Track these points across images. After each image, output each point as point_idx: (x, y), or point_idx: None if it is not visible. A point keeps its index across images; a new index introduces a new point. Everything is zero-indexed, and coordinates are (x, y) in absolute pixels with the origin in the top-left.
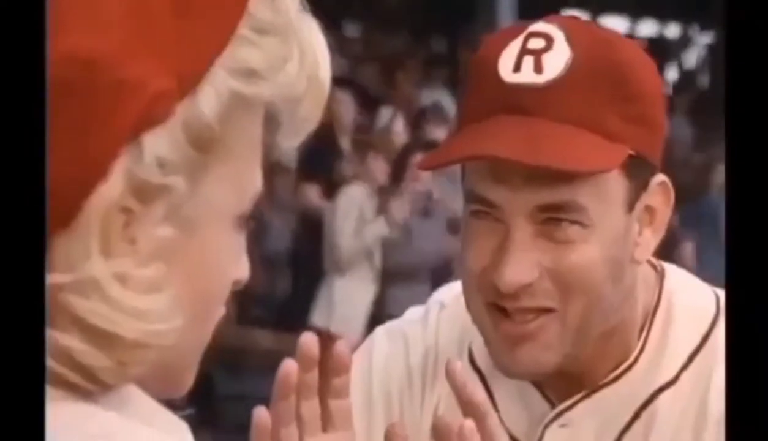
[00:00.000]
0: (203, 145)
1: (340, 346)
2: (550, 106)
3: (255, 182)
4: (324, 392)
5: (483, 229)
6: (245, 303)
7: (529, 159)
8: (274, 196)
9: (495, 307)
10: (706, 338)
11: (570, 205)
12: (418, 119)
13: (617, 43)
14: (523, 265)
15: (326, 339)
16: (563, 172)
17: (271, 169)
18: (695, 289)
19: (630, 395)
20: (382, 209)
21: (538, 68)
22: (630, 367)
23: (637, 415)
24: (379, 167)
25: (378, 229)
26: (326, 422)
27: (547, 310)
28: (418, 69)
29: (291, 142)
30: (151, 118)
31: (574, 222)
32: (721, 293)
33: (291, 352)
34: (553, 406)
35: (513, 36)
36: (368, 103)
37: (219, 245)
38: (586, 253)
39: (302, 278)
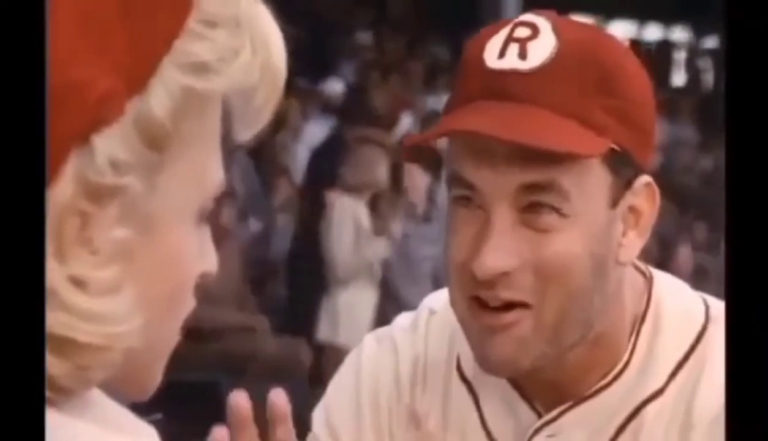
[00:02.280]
0: (157, 142)
1: (274, 395)
2: (533, 93)
3: (215, 175)
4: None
5: (465, 217)
6: (249, 308)
7: (508, 135)
8: (277, 203)
9: (475, 300)
10: (693, 347)
11: (552, 186)
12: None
13: (605, 43)
14: (501, 252)
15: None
16: (545, 155)
17: (275, 176)
18: (684, 297)
19: (617, 405)
20: (381, 224)
21: (523, 55)
22: (617, 377)
23: (624, 425)
24: (382, 168)
25: (379, 249)
26: None
27: (523, 305)
28: (421, 75)
29: (247, 133)
30: (99, 119)
31: (555, 209)
32: (711, 300)
33: (296, 357)
34: (539, 416)
35: (502, 27)
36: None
37: (180, 241)
38: (566, 243)
39: (307, 283)
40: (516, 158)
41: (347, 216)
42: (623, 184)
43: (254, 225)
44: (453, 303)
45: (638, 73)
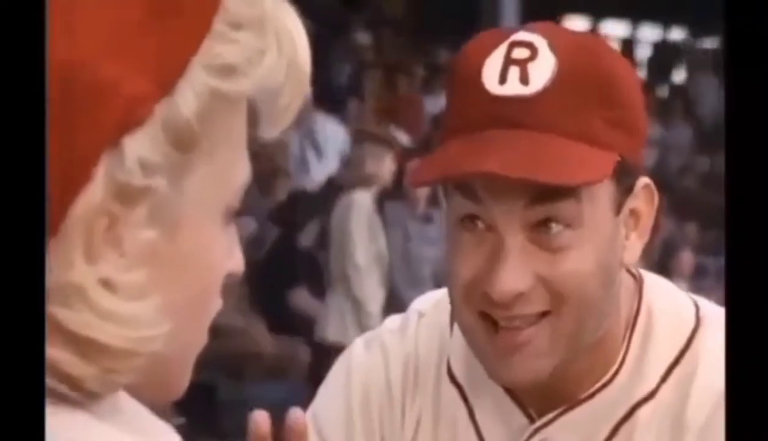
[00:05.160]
0: (184, 144)
1: (293, 415)
2: (538, 118)
3: (242, 175)
4: None
5: (473, 240)
6: (246, 309)
7: (525, 175)
8: (275, 203)
9: (486, 318)
10: (685, 349)
11: (565, 200)
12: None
13: (599, 50)
14: (517, 274)
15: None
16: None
17: (273, 176)
18: (674, 298)
19: (610, 408)
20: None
21: (524, 79)
22: (610, 380)
23: (617, 429)
24: (390, 166)
25: (384, 245)
26: None
27: (541, 315)
28: (421, 77)
29: (272, 132)
30: (130, 121)
31: (566, 226)
32: (700, 301)
33: (293, 358)
34: (532, 420)
35: (494, 44)
36: None
37: (207, 241)
38: (580, 260)
39: (306, 283)
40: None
41: (362, 207)
42: (625, 190)
43: (251, 225)
44: (459, 320)
45: (630, 76)
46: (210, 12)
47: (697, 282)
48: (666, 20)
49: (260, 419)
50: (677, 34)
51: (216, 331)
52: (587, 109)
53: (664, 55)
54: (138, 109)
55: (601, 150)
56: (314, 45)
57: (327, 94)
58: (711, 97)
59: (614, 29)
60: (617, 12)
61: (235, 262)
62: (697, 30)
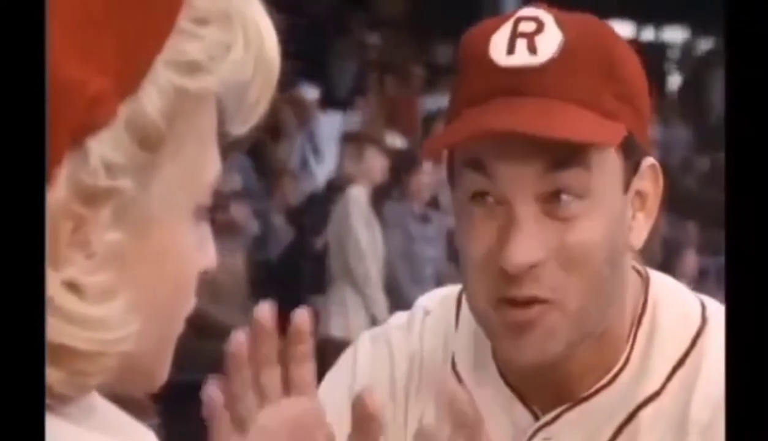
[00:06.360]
0: (150, 143)
1: (298, 316)
2: (547, 86)
3: (212, 171)
4: (286, 359)
5: (483, 215)
6: (248, 308)
7: (543, 132)
8: (278, 200)
9: (500, 303)
10: (690, 348)
11: (575, 168)
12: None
13: (604, 30)
14: (531, 244)
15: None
16: (566, 144)
17: (277, 173)
18: (681, 297)
19: (614, 408)
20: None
21: (532, 49)
22: (615, 378)
23: (621, 428)
24: (379, 165)
25: (380, 245)
26: (289, 388)
27: (544, 301)
28: (421, 76)
29: (243, 127)
30: (92, 122)
31: (576, 196)
32: (707, 300)
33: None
34: (536, 417)
35: (501, 23)
36: None
37: (177, 240)
38: (589, 229)
39: (308, 284)
40: (537, 148)
41: (358, 200)
42: (632, 167)
43: (253, 225)
44: (473, 302)
45: (634, 57)
46: (174, 10)
47: (697, 282)
48: (666, 20)
49: (263, 314)
50: (677, 34)
51: (217, 331)
52: (594, 80)
53: (664, 55)
54: (100, 109)
55: (609, 120)
56: (315, 44)
57: (330, 94)
58: (711, 97)
59: (614, 29)
60: (617, 12)
61: (208, 259)
62: (697, 30)
